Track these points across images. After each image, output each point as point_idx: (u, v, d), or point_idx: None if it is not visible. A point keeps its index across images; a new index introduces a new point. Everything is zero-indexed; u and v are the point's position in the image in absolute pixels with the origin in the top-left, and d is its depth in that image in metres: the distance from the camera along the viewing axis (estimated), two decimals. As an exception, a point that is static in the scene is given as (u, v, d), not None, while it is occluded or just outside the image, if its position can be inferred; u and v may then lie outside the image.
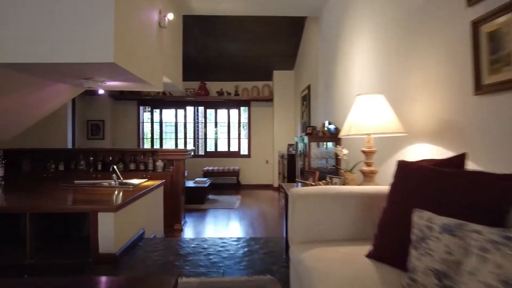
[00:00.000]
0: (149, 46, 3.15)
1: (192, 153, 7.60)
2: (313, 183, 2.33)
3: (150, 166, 4.42)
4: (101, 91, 3.13)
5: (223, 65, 7.36)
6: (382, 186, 1.74)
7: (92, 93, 7.22)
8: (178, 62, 5.14)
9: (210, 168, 7.28)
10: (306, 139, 3.93)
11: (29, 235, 2.16)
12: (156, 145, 8.02)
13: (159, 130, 8.04)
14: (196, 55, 6.97)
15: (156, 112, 8.05)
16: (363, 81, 3.08)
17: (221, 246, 2.52)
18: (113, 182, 3.14)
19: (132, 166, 4.41)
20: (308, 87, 5.89)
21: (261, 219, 4.91)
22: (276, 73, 7.59)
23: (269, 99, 7.76)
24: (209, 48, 6.88)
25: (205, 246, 2.52)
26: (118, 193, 2.71)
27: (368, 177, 2.11)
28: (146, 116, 8.10)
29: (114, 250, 2.19)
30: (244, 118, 8.13)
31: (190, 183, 6.16)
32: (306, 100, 6.09)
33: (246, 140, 8.04)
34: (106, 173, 4.26)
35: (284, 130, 7.52)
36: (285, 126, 7.52)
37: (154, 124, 8.06)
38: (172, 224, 4.31)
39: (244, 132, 8.12)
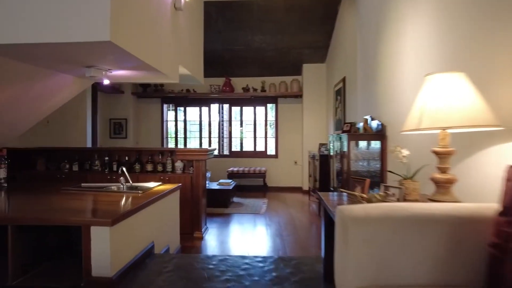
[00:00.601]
0: (159, 28, 2.74)
1: (215, 153, 7.19)
2: (363, 195, 1.78)
3: (169, 167, 4.02)
4: (106, 81, 2.76)
5: (249, 60, 6.89)
6: (480, 204, 1.18)
7: (114, 90, 7.03)
8: (198, 52, 4.71)
9: (235, 169, 6.84)
10: (344, 137, 3.37)
11: (11, 253, 1.78)
12: (180, 145, 7.71)
13: (183, 129, 7.72)
14: (220, 50, 6.55)
15: (180, 110, 7.73)
16: (423, 65, 2.48)
17: (243, 269, 2.03)
18: (121, 186, 2.75)
19: (149, 167, 4.03)
20: (343, 80, 5.28)
21: (290, 227, 4.38)
22: (306, 67, 7.01)
23: (298, 95, 7.20)
24: (234, 42, 6.44)
25: (224, 268, 2.04)
26: (122, 201, 2.29)
27: (442, 188, 1.53)
28: (170, 114, 7.81)
29: (109, 274, 1.76)
30: (271, 116, 7.62)
31: (213, 185, 5.74)
32: (340, 94, 5.48)
33: (273, 140, 7.53)
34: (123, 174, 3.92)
35: (315, 128, 6.93)
36: (316, 124, 6.93)
37: (178, 122, 7.75)
38: (192, 232, 3.89)
39: (271, 131, 7.61)
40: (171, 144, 7.78)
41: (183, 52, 3.67)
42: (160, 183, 3.13)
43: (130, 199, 2.31)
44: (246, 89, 7.19)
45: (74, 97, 5.54)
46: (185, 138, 7.72)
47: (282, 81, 7.16)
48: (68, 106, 5.58)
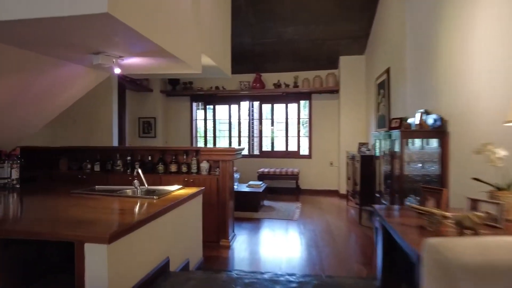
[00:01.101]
0: (176, 8, 2.38)
1: (245, 153, 6.81)
2: (447, 214, 1.27)
3: (194, 168, 3.68)
4: (117, 70, 2.45)
5: (280, 53, 6.45)
6: None
7: (143, 89, 6.88)
8: (225, 42, 4.34)
9: (266, 170, 6.42)
10: (395, 135, 2.84)
11: (-5, 270, 1.48)
12: (210, 144, 7.42)
13: (212, 128, 7.43)
14: (250, 44, 6.17)
15: (210, 109, 7.44)
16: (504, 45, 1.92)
17: (275, 300, 1.60)
18: (137, 190, 2.43)
19: (173, 168, 3.72)
20: (387, 72, 4.69)
21: (327, 237, 3.89)
22: (344, 59, 6.44)
23: (334, 90, 6.64)
24: (265, 34, 6.03)
25: (250, 296, 1.63)
26: (133, 209, 1.95)
27: None
28: (199, 114, 7.55)
29: (108, 301, 1.40)
30: (304, 114, 7.12)
31: (242, 187, 5.36)
32: (383, 87, 4.89)
33: (307, 139, 7.03)
34: (144, 175, 3.65)
35: (353, 126, 6.34)
36: (354, 121, 6.35)
37: (208, 121, 7.47)
38: (218, 240, 3.52)
39: (304, 130, 7.11)
40: (201, 144, 7.52)
41: (208, 40, 3.32)
42: (181, 186, 2.77)
43: (142, 206, 1.97)
44: (277, 85, 6.75)
45: (100, 96, 5.43)
46: (214, 137, 7.42)
47: (316, 76, 6.64)
48: (94, 104, 5.47)
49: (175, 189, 2.58)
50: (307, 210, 5.26)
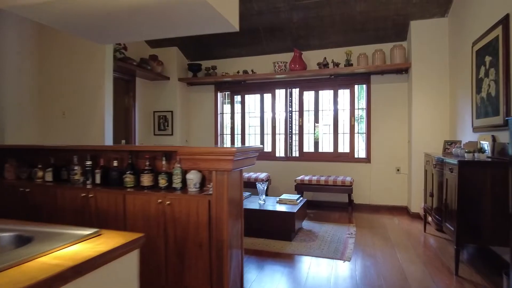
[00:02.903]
0: None
1: (278, 154, 5.27)
2: None
3: (177, 181, 2.26)
4: None
5: (327, 21, 4.79)
6: None
7: (158, 76, 5.71)
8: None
9: (307, 178, 4.82)
10: None
11: None
12: (238, 143, 6.01)
13: (240, 123, 6.00)
14: (286, 8, 4.61)
15: (238, 101, 6.02)
16: None
17: None
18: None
19: (146, 180, 2.33)
20: (504, 22, 2.84)
21: (406, 306, 2.21)
22: (416, 25, 4.58)
23: (403, 69, 4.83)
24: (305, -6, 4.43)
25: None
26: None
27: None
28: (226, 106, 6.17)
29: None
30: (361, 103, 5.38)
31: (270, 203, 3.84)
32: (492, 52, 3.04)
33: (364, 136, 5.28)
34: (107, 189, 2.32)
35: (432, 117, 4.47)
36: (434, 110, 4.47)
37: (235, 115, 6.06)
38: (210, 306, 2.06)
39: (360, 124, 5.37)
40: (227, 144, 6.14)
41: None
42: (96, 231, 1.29)
43: None
44: (323, 65, 5.10)
45: (94, 84, 4.30)
46: (242, 134, 5.99)
47: (377, 50, 4.87)
48: (86, 95, 4.35)
49: (69, 243, 1.14)
50: (366, 239, 3.57)
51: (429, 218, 3.85)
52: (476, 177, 2.56)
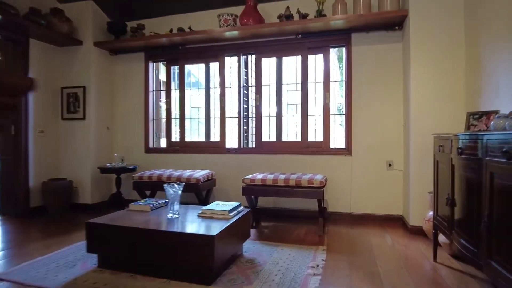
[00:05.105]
0: None
1: (228, 145, 3.85)
2: None
3: None
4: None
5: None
6: None
7: (66, 40, 4.10)
8: None
9: (260, 176, 3.31)
10: None
11: None
12: (176, 131, 4.46)
13: (179, 104, 4.47)
14: None
15: (176, 71, 4.49)
16: None
17: None
18: None
19: None
20: None
21: None
22: (417, -47, 3.16)
23: (396, 23, 3.41)
24: None
25: None
26: None
27: None
28: (161, 84, 4.62)
29: None
30: (339, 74, 3.94)
31: (189, 217, 2.33)
32: None
33: (343, 119, 3.83)
34: None
35: (441, 87, 3.05)
36: (443, 77, 3.05)
37: (173, 92, 4.53)
38: None
39: (336, 103, 3.92)
40: (163, 132, 4.59)
41: None
42: None
43: None
44: (285, 17, 3.63)
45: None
46: (182, 119, 4.45)
47: (360, -5, 3.44)
48: None
49: None
50: (339, 277, 2.10)
51: (442, 237, 2.43)
52: None
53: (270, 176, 3.24)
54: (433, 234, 2.42)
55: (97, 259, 2.30)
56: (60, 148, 4.37)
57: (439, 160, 2.33)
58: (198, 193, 3.49)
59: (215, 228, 2.08)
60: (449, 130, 2.89)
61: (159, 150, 4.46)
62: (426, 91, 3.07)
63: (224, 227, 2.12)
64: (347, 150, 3.70)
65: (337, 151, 3.74)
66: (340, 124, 3.87)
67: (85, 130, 4.27)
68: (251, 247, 2.68)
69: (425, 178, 3.01)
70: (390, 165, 3.55)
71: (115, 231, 2.19)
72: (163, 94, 4.60)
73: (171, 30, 4.05)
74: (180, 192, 2.41)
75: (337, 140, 3.85)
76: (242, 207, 2.58)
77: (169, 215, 2.38)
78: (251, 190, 3.24)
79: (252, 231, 3.19)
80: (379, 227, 3.33)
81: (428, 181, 2.95)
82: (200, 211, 2.43)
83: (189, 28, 3.98)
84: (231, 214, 2.35)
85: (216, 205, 2.50)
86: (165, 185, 2.37)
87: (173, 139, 4.46)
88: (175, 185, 2.40)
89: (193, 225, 2.19)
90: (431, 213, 2.82)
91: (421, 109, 3.07)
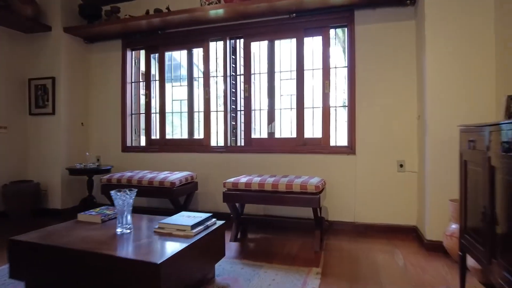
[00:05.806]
0: None
1: (214, 143, 3.36)
2: None
3: None
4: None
5: None
6: None
7: (33, 24, 3.62)
8: None
9: (244, 179, 2.77)
10: None
11: None
12: (155, 127, 3.96)
13: (159, 97, 3.96)
14: None
15: (156, 60, 3.98)
16: None
17: None
18: None
19: None
20: None
21: None
22: None
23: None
24: None
25: None
26: None
27: None
28: (140, 74, 4.12)
29: None
30: (340, 59, 3.38)
31: (143, 232, 1.80)
32: None
33: (345, 112, 3.27)
34: None
35: (466, 71, 2.47)
36: (469, 60, 2.47)
37: (152, 83, 4.02)
38: None
39: (337, 93, 3.37)
40: (142, 127, 4.10)
41: None
42: None
43: None
44: (276, -7, 3.09)
45: None
46: (162, 113, 3.93)
47: (365, -38, 2.88)
48: None
49: None
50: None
51: (471, 260, 1.87)
52: None
53: (256, 180, 2.70)
54: (459, 257, 1.85)
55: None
56: (28, 147, 3.90)
57: (468, 160, 1.76)
58: (173, 200, 2.97)
59: (168, 251, 1.56)
60: (477, 121, 2.32)
61: (137, 149, 3.96)
62: (445, 76, 2.49)
63: (180, 249, 1.59)
64: (350, 148, 3.14)
65: (338, 150, 3.18)
66: (343, 119, 3.32)
67: (55, 127, 3.80)
68: (227, 268, 2.16)
69: (446, 181, 2.44)
70: (401, 165, 2.98)
71: (42, 252, 1.69)
72: (143, 86, 4.09)
73: (147, 12, 3.55)
74: (131, 201, 1.89)
75: (339, 137, 3.30)
76: (213, 219, 2.05)
77: (118, 230, 1.87)
78: (233, 197, 2.71)
79: (234, 246, 2.66)
80: (387, 241, 2.77)
81: (450, 185, 2.39)
82: (157, 226, 1.90)
83: (167, 8, 3.46)
84: (195, 230, 1.82)
85: (180, 218, 1.98)
86: (112, 192, 1.86)
87: (152, 137, 3.96)
88: (127, 191, 1.89)
89: (141, 245, 1.67)
90: (454, 226, 2.26)
91: (440, 97, 2.50)
